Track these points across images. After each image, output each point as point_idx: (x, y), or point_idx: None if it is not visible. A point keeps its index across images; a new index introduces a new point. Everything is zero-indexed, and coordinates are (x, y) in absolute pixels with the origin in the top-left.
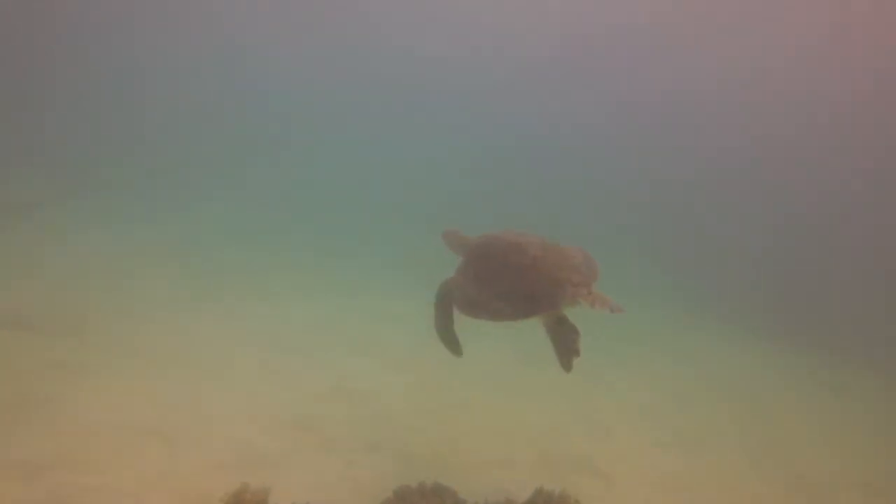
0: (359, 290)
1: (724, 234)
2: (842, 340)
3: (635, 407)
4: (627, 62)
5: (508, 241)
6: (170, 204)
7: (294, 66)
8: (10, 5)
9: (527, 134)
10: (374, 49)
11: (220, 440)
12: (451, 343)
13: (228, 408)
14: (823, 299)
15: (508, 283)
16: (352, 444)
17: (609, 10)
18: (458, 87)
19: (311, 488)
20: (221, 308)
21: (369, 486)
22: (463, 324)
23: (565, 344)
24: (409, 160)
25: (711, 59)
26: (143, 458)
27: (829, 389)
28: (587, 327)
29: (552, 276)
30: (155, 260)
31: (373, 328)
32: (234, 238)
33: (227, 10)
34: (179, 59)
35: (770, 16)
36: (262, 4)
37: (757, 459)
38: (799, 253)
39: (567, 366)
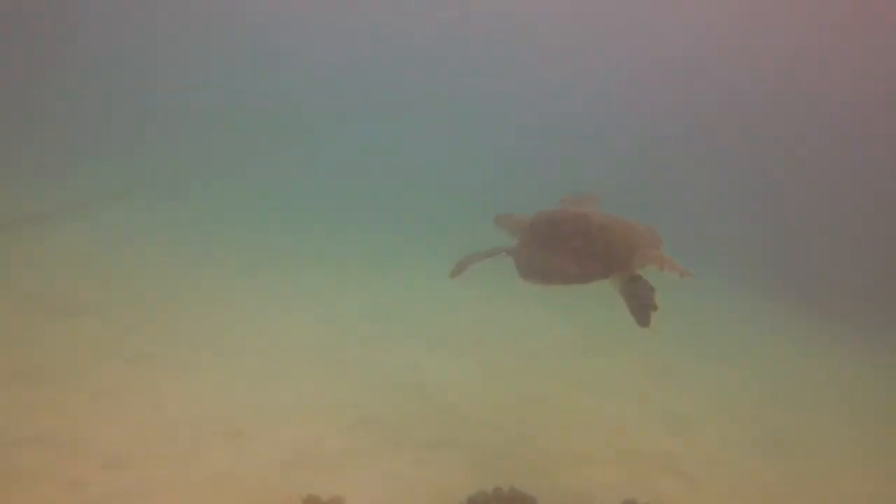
0: (415, 278)
1: (813, 222)
2: None
3: (714, 401)
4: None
5: (571, 211)
6: (216, 202)
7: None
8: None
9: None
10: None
11: (288, 437)
12: (460, 268)
13: (295, 402)
14: None
15: (580, 246)
16: (422, 442)
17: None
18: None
19: (381, 490)
20: (282, 298)
21: (441, 488)
22: (524, 315)
23: (642, 300)
24: (444, 153)
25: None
26: (212, 455)
27: None
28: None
29: (623, 238)
30: (210, 253)
31: (435, 316)
32: (288, 231)
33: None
34: (211, 56)
35: None
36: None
37: (869, 468)
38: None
39: (645, 320)
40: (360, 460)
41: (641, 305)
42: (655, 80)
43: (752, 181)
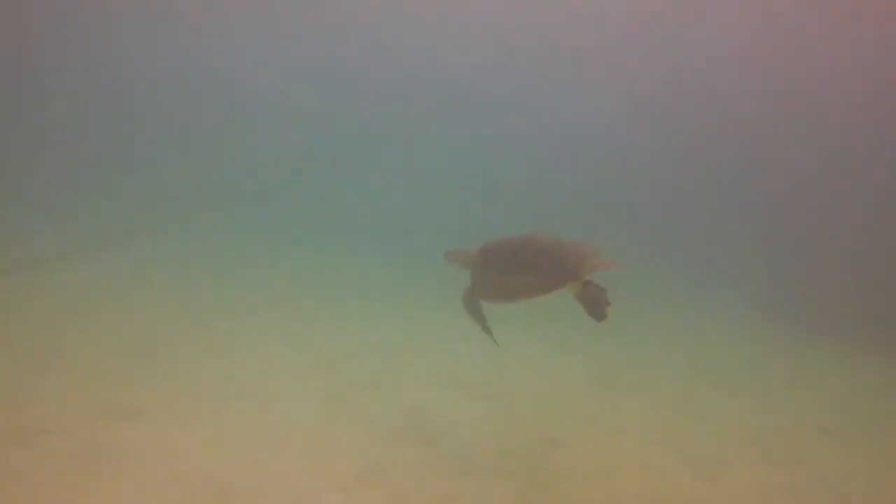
0: (418, 314)
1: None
2: None
3: (740, 439)
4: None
5: (518, 236)
6: (204, 241)
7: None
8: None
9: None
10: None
11: (284, 496)
12: (490, 334)
13: (293, 455)
14: None
15: (534, 262)
16: (430, 497)
17: None
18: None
19: None
20: (280, 339)
21: None
22: (533, 352)
23: (596, 299)
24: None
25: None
26: None
27: None
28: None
29: (571, 251)
30: (202, 294)
31: (441, 355)
32: (284, 268)
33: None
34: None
35: None
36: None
37: None
38: None
39: (601, 315)
40: None
41: (597, 303)
42: (656, 93)
43: (754, 196)
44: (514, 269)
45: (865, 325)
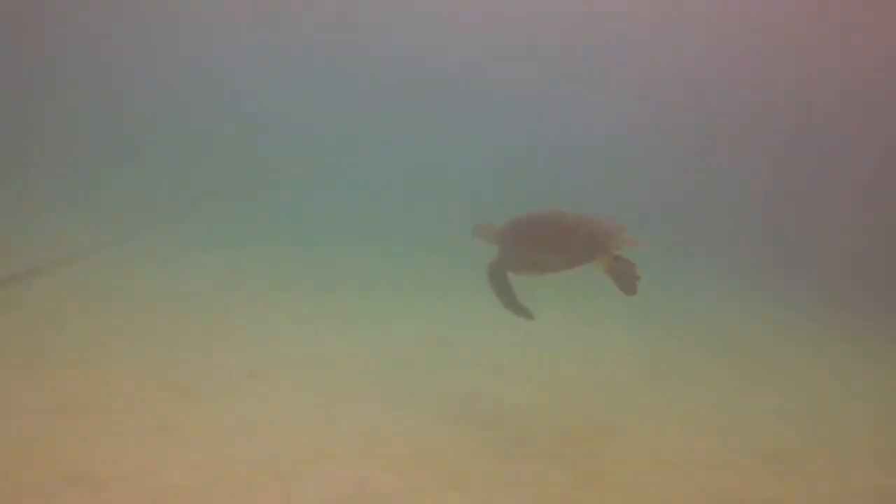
0: (468, 300)
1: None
2: None
3: (807, 430)
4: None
5: (546, 211)
6: (245, 224)
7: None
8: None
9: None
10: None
11: (338, 477)
12: (522, 311)
13: (345, 438)
14: None
15: (564, 236)
16: (486, 480)
17: None
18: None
19: None
20: (331, 325)
21: None
22: (585, 338)
23: (627, 273)
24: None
25: None
26: (255, 498)
27: None
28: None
29: (599, 227)
30: (250, 280)
31: (492, 340)
32: (333, 255)
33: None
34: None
35: None
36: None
37: None
38: None
39: (632, 289)
40: (417, 501)
41: (628, 276)
42: (660, 88)
43: (760, 180)
44: (545, 243)
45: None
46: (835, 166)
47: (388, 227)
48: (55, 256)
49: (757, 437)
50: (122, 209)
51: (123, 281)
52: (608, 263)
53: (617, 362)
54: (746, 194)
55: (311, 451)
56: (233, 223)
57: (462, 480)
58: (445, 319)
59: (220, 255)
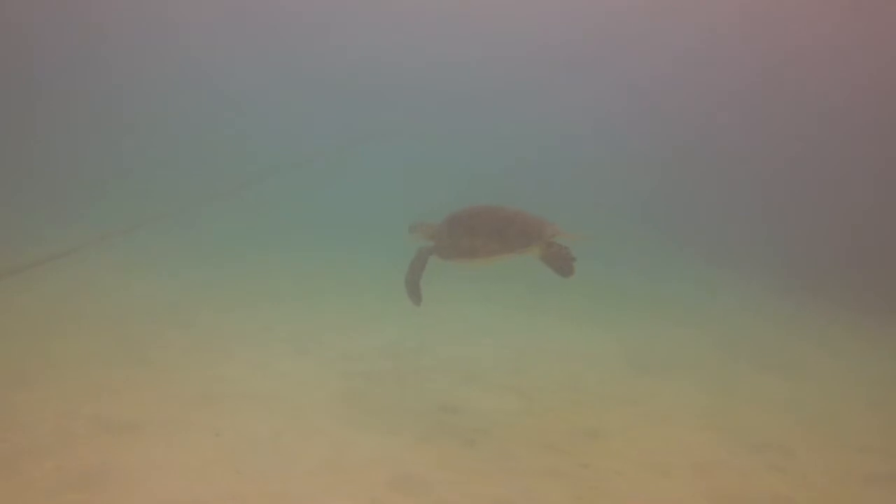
0: (434, 305)
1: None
2: None
3: (801, 424)
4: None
5: (484, 206)
6: (205, 233)
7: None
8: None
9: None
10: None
11: None
12: (415, 294)
13: (312, 469)
14: None
15: (500, 225)
16: (473, 503)
17: None
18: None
19: None
20: (292, 339)
21: None
22: (555, 333)
23: (561, 256)
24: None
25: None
26: None
27: None
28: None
29: (534, 219)
30: (200, 291)
31: (462, 345)
32: (286, 262)
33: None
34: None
35: None
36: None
37: None
38: None
39: (569, 271)
40: None
41: (563, 259)
42: (659, 88)
43: (764, 180)
44: (483, 230)
45: (878, 296)
46: (834, 164)
47: (361, 232)
48: (25, 262)
49: (748, 432)
50: (106, 215)
51: (92, 294)
52: (543, 251)
53: (599, 361)
54: (748, 191)
55: (272, 488)
56: (220, 231)
57: None
58: (412, 329)
59: (203, 264)
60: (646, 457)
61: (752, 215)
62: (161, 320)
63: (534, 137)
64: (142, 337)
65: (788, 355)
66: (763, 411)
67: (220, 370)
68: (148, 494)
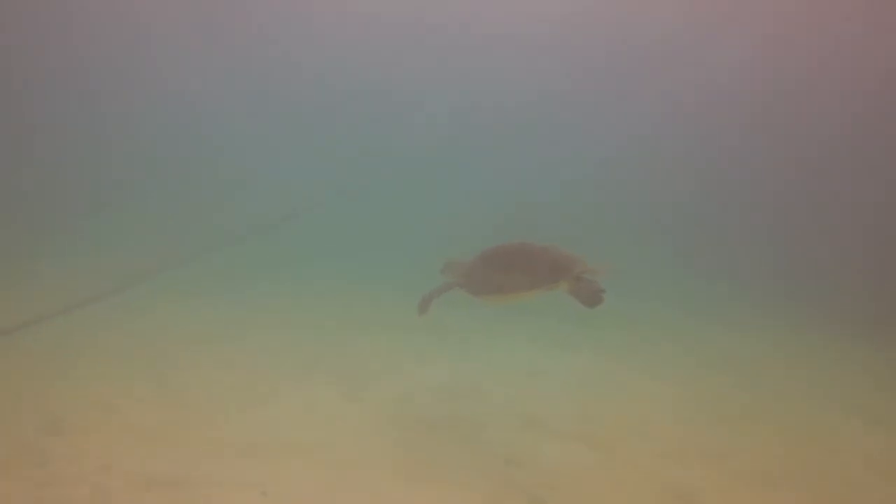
0: (491, 346)
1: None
2: None
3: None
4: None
5: (513, 243)
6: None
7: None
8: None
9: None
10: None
11: None
12: (425, 307)
13: None
14: None
15: (528, 263)
16: None
17: None
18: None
19: None
20: (341, 381)
21: None
22: (619, 377)
23: (591, 289)
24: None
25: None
26: None
27: None
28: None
29: (563, 255)
30: (250, 325)
31: (522, 388)
32: (334, 298)
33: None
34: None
35: None
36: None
37: None
38: None
39: (598, 301)
40: None
41: (592, 291)
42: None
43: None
44: (514, 267)
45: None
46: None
47: (398, 257)
48: (33, 313)
49: (858, 489)
50: (109, 255)
51: (128, 328)
52: (571, 285)
53: (670, 404)
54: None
55: None
56: (235, 266)
57: None
58: (465, 369)
59: (222, 300)
60: None
61: (813, 254)
62: (201, 357)
63: (578, 167)
64: (182, 376)
65: (885, 407)
66: (862, 465)
67: (265, 414)
68: None
